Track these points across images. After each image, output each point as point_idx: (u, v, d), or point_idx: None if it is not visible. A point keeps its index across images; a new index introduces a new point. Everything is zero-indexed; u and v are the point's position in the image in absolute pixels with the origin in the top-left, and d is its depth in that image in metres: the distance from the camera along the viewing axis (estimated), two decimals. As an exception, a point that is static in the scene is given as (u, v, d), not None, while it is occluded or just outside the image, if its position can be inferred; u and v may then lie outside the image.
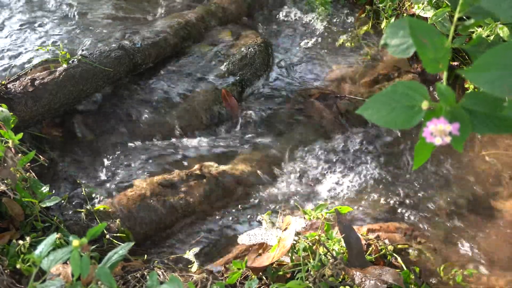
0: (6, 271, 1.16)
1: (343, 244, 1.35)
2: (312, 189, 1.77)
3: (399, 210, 1.69)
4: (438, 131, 0.60)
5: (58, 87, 1.80)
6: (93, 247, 1.35)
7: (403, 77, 2.16)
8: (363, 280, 1.26)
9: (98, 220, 1.50)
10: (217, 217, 1.69)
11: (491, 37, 1.67)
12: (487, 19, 1.66)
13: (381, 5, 2.31)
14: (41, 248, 0.89)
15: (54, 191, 1.62)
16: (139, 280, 1.31)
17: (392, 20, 2.21)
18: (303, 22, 2.46)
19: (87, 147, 1.84)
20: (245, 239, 1.37)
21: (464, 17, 0.76)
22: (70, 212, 1.52)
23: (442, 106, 0.62)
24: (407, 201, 1.72)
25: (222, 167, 1.81)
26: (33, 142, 1.76)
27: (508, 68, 0.54)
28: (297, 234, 1.35)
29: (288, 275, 1.34)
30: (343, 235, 1.33)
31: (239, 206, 1.72)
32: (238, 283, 1.34)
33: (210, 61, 2.17)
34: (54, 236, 0.92)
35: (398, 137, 1.95)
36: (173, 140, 1.91)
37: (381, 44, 0.74)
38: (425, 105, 0.62)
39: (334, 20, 2.45)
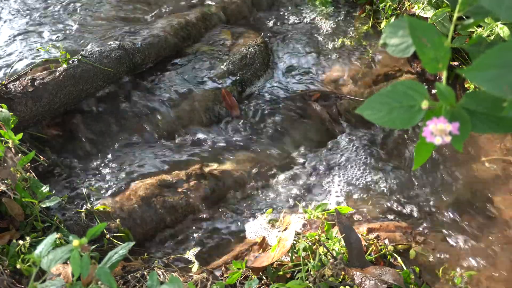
0: (6, 271, 1.16)
1: (343, 244, 1.35)
2: (312, 189, 1.77)
3: (399, 210, 1.69)
4: (438, 130, 0.60)
5: (58, 87, 1.80)
6: (93, 247, 1.35)
7: (403, 77, 2.15)
8: (363, 280, 1.26)
9: (98, 220, 1.50)
10: (217, 217, 1.69)
11: (491, 37, 1.67)
12: (487, 18, 1.66)
13: (381, 5, 2.31)
14: (41, 248, 0.89)
15: (54, 191, 1.62)
16: (139, 280, 1.31)
17: (392, 20, 2.21)
18: (303, 21, 2.46)
19: (87, 147, 1.84)
20: (251, 234, 1.41)
21: (464, 17, 0.76)
22: (70, 212, 1.52)
23: (442, 106, 0.62)
24: (407, 201, 1.72)
25: (222, 167, 1.81)
26: (33, 142, 1.76)
27: (507, 66, 0.54)
28: (297, 234, 1.35)
29: (288, 275, 1.34)
30: (343, 235, 1.33)
31: (239, 206, 1.72)
32: (238, 283, 1.34)
33: (210, 61, 2.17)
34: (54, 236, 0.92)
35: (398, 137, 1.94)
36: (173, 140, 1.91)
37: (380, 43, 0.74)
38: (425, 104, 0.62)
39: (334, 20, 2.45)
